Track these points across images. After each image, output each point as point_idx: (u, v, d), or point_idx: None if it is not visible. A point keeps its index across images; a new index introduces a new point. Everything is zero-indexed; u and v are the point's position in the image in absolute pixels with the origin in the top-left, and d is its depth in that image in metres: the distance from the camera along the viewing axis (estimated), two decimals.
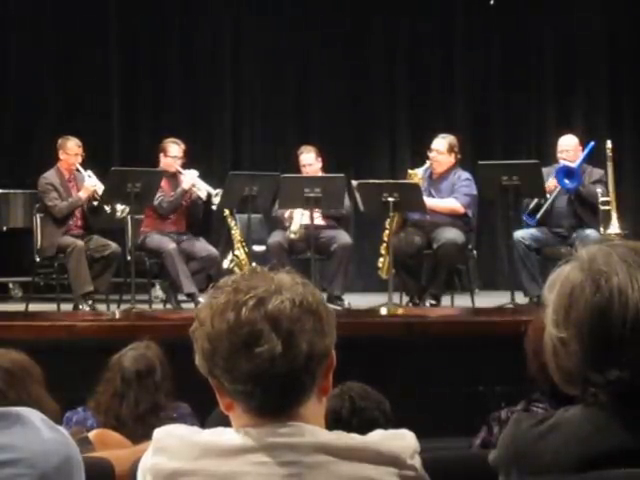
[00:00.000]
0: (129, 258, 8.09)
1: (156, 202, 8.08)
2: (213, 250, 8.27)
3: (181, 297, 8.12)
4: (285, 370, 1.57)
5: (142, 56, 10.50)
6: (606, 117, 10.38)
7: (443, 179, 8.04)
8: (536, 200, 7.97)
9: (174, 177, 8.27)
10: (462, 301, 8.08)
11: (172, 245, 7.99)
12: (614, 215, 7.82)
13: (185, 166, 8.30)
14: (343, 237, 8.11)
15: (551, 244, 7.91)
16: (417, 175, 8.05)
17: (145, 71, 10.51)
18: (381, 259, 8.07)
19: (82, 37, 10.17)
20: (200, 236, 8.36)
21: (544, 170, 7.83)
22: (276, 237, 8.06)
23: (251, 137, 10.60)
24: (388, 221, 7.88)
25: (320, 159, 8.27)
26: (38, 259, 8.19)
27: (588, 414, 1.55)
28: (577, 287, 1.55)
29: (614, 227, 7.78)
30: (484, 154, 9.23)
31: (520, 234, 7.91)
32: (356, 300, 8.13)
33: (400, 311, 7.48)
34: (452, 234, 7.77)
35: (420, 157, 8.40)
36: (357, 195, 7.83)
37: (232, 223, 8.59)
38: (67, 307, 7.95)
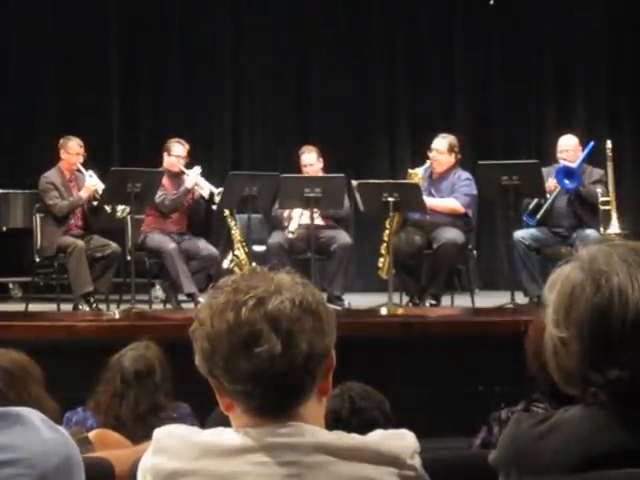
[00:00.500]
0: (129, 258, 8.09)
1: (158, 200, 8.08)
2: (213, 250, 8.27)
3: (181, 297, 8.12)
4: (285, 370, 1.56)
5: (142, 56, 10.49)
6: (606, 117, 10.36)
7: (443, 179, 8.04)
8: (536, 200, 7.96)
9: (177, 176, 8.28)
10: (462, 301, 8.08)
11: (172, 245, 7.99)
12: (614, 215, 7.82)
13: (188, 166, 8.31)
14: (343, 237, 8.11)
15: (551, 244, 7.91)
16: (417, 175, 8.05)
17: (145, 71, 10.50)
18: (381, 259, 8.07)
19: (82, 37, 10.17)
20: (200, 236, 8.37)
21: (544, 170, 7.82)
22: (276, 237, 8.06)
23: (251, 137, 10.59)
24: (388, 221, 7.87)
25: (321, 159, 8.27)
26: (38, 259, 8.19)
27: (588, 414, 1.55)
28: (577, 287, 1.54)
29: (614, 227, 7.77)
30: (484, 154, 9.22)
31: (520, 234, 7.91)
32: (356, 300, 8.13)
33: (400, 311, 7.47)
34: (452, 234, 7.77)
35: (420, 157, 8.39)
36: (357, 195, 7.82)
37: (232, 223, 8.58)
38: (67, 307, 7.95)
